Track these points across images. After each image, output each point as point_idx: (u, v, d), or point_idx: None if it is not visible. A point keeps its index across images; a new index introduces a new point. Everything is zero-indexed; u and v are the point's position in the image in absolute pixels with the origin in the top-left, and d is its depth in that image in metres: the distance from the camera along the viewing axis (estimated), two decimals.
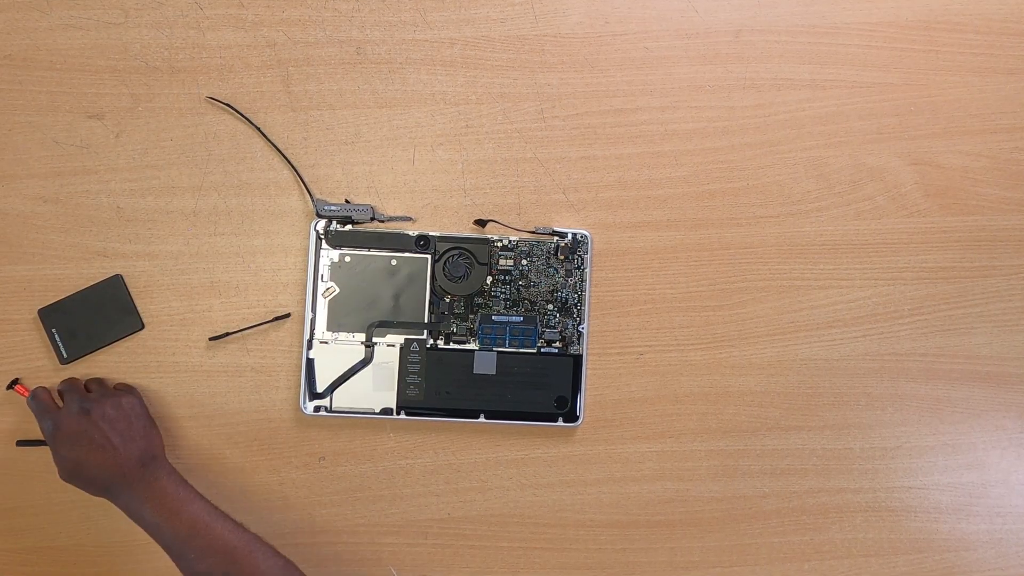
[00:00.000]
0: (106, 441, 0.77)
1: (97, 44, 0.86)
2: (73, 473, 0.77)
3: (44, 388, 0.82)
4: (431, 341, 0.85)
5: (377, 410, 0.85)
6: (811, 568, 0.87)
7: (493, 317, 0.85)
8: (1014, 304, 0.87)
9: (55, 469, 0.86)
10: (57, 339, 0.85)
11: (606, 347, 0.87)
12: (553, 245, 0.86)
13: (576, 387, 0.85)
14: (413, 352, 0.85)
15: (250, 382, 0.86)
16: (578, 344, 0.86)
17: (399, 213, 0.86)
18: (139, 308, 0.86)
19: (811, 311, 0.87)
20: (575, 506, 0.86)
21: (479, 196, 0.87)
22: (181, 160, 0.86)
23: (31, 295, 0.85)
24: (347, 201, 0.86)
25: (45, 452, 0.85)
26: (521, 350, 0.85)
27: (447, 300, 0.86)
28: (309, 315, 0.85)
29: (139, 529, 0.84)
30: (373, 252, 0.85)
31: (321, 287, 0.85)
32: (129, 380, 0.85)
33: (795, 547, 0.86)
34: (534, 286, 0.86)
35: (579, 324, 0.86)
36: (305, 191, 0.86)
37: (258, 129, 0.86)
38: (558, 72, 0.87)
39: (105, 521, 0.85)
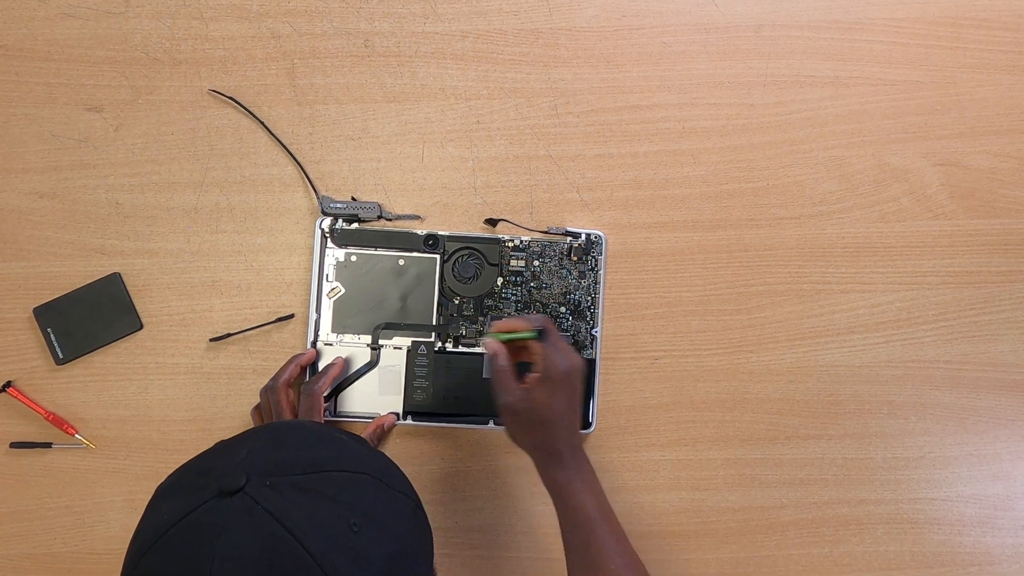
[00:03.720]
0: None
1: (96, 34, 0.84)
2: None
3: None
4: (439, 344, 0.83)
5: (383, 414, 0.82)
6: None
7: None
8: None
9: (51, 471, 0.84)
10: (52, 339, 0.82)
11: (620, 352, 0.84)
12: (566, 246, 0.83)
13: (589, 393, 0.83)
14: (420, 355, 0.83)
15: (252, 385, 0.83)
16: (591, 348, 0.83)
17: (407, 211, 0.84)
18: (138, 307, 0.84)
19: (832, 316, 0.84)
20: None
21: (490, 194, 0.84)
22: (182, 155, 0.84)
23: (26, 293, 0.83)
24: (353, 199, 0.84)
25: (40, 454, 0.83)
26: None
27: (456, 302, 0.83)
28: (313, 316, 0.82)
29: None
30: (380, 251, 0.83)
31: (326, 287, 0.83)
32: (126, 382, 0.83)
33: (814, 560, 0.84)
34: (546, 288, 0.83)
35: (592, 328, 0.83)
36: (310, 188, 0.84)
37: (262, 123, 0.84)
38: (573, 67, 0.84)
39: (101, 527, 0.83)
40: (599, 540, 0.71)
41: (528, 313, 0.83)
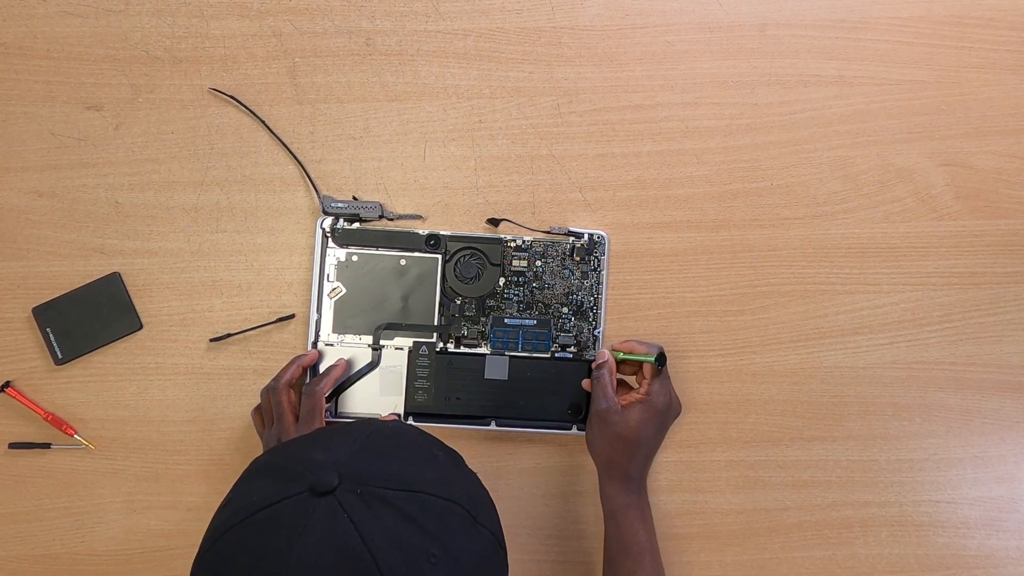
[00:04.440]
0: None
1: (96, 32, 0.83)
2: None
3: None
4: (441, 344, 0.82)
5: (384, 415, 0.82)
6: None
7: (505, 320, 0.82)
8: None
9: (50, 472, 0.83)
10: (51, 339, 0.82)
11: None
12: (568, 246, 0.83)
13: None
14: (422, 356, 0.82)
15: (252, 385, 0.83)
16: (593, 349, 0.83)
17: (409, 211, 0.84)
18: (137, 307, 0.83)
19: (836, 317, 0.84)
20: (589, 517, 0.83)
21: (492, 194, 0.84)
22: (182, 154, 0.83)
23: (25, 292, 0.83)
24: (355, 198, 0.83)
25: (39, 455, 0.82)
26: (534, 355, 0.82)
27: (458, 302, 0.82)
28: (314, 316, 0.82)
29: (134, 537, 0.82)
30: (381, 251, 0.82)
31: (327, 287, 0.82)
32: (126, 382, 0.83)
33: (817, 562, 0.83)
34: (548, 288, 0.83)
35: (595, 328, 0.83)
36: (311, 187, 0.83)
37: (263, 122, 0.83)
38: (575, 66, 0.84)
39: (100, 528, 0.83)
40: (645, 572, 0.75)
41: (532, 313, 0.82)
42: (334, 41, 0.84)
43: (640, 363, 0.80)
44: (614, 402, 0.77)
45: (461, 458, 0.60)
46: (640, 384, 0.79)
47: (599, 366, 0.79)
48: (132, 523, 0.83)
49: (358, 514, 0.49)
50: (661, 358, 0.78)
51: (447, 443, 0.84)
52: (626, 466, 0.77)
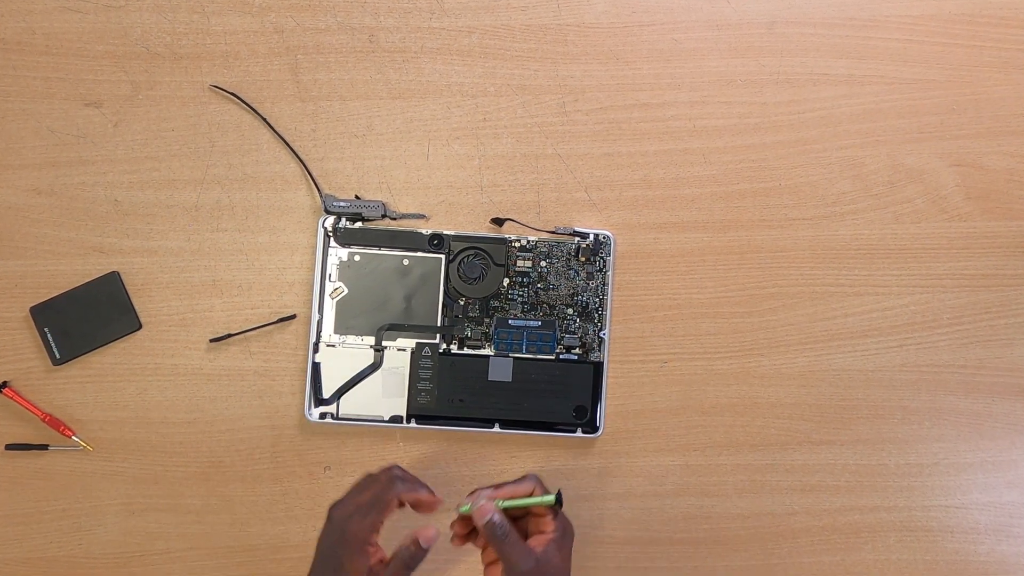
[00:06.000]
0: None
1: (96, 28, 0.82)
2: None
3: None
4: (444, 346, 0.81)
5: (386, 418, 0.81)
6: None
7: (510, 321, 0.81)
8: None
9: (47, 474, 0.82)
10: (49, 339, 0.81)
11: (628, 354, 0.82)
12: (574, 246, 0.82)
13: (596, 396, 0.81)
14: (425, 357, 0.81)
15: (253, 387, 0.82)
16: (599, 351, 0.81)
17: (412, 210, 0.83)
18: (136, 307, 0.82)
19: (845, 319, 0.83)
20: (594, 521, 0.82)
21: (496, 193, 0.83)
22: (183, 152, 0.82)
23: (23, 292, 0.82)
24: (357, 197, 0.82)
25: (36, 457, 0.81)
26: (539, 356, 0.81)
27: (461, 303, 0.81)
28: (316, 317, 0.81)
29: (132, 540, 0.82)
30: (384, 251, 0.81)
31: (329, 287, 0.81)
32: (125, 383, 0.82)
33: (825, 567, 0.82)
34: (553, 289, 0.82)
35: (600, 330, 0.82)
36: (313, 186, 0.82)
37: (264, 120, 0.82)
38: (581, 64, 0.83)
39: (99, 531, 0.82)
40: None
41: (537, 314, 0.81)
42: (337, 38, 0.83)
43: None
44: (532, 555, 0.66)
45: None
46: (538, 521, 0.70)
47: (493, 525, 0.66)
48: (130, 526, 0.82)
49: None
50: (559, 497, 0.68)
51: (450, 445, 0.83)
52: None
